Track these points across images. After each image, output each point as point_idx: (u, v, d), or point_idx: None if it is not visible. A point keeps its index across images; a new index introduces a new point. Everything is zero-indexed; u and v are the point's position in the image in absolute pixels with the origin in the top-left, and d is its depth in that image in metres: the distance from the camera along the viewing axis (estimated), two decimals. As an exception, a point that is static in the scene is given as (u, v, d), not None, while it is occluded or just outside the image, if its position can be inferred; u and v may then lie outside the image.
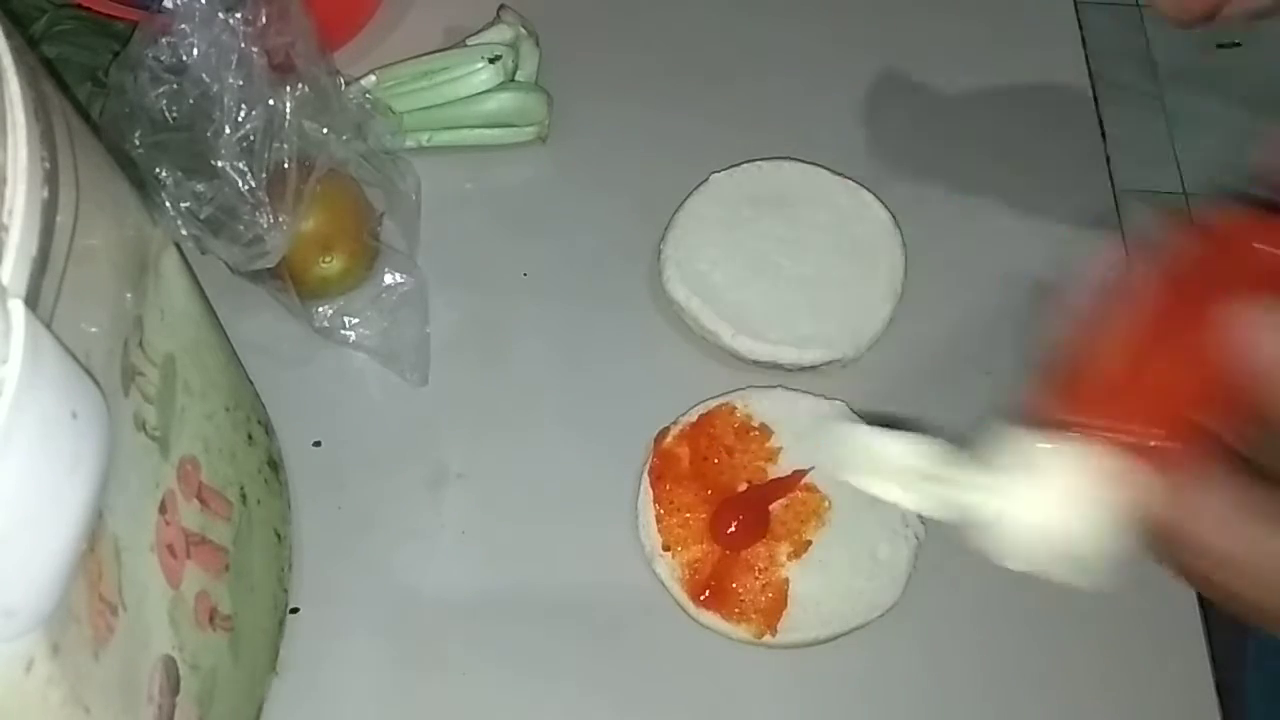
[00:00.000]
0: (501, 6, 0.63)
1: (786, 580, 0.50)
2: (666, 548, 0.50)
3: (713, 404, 0.53)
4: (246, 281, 0.54)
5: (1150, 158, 1.55)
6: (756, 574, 0.50)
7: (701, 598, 0.49)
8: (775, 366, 0.55)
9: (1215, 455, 0.27)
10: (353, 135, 0.53)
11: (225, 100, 0.47)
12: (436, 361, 0.56)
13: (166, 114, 0.48)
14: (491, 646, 0.50)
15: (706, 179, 0.60)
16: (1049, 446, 0.28)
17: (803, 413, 0.53)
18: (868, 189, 0.59)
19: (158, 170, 0.48)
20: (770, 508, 0.51)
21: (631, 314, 0.58)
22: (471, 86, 0.59)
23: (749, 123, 0.64)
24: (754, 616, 0.49)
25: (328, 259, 0.53)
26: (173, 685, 0.37)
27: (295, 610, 0.50)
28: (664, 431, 0.53)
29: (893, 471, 0.30)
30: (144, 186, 0.47)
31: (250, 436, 0.48)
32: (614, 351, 0.57)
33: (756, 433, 0.52)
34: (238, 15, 0.47)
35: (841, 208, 0.59)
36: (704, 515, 0.50)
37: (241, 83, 0.47)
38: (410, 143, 0.60)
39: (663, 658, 0.50)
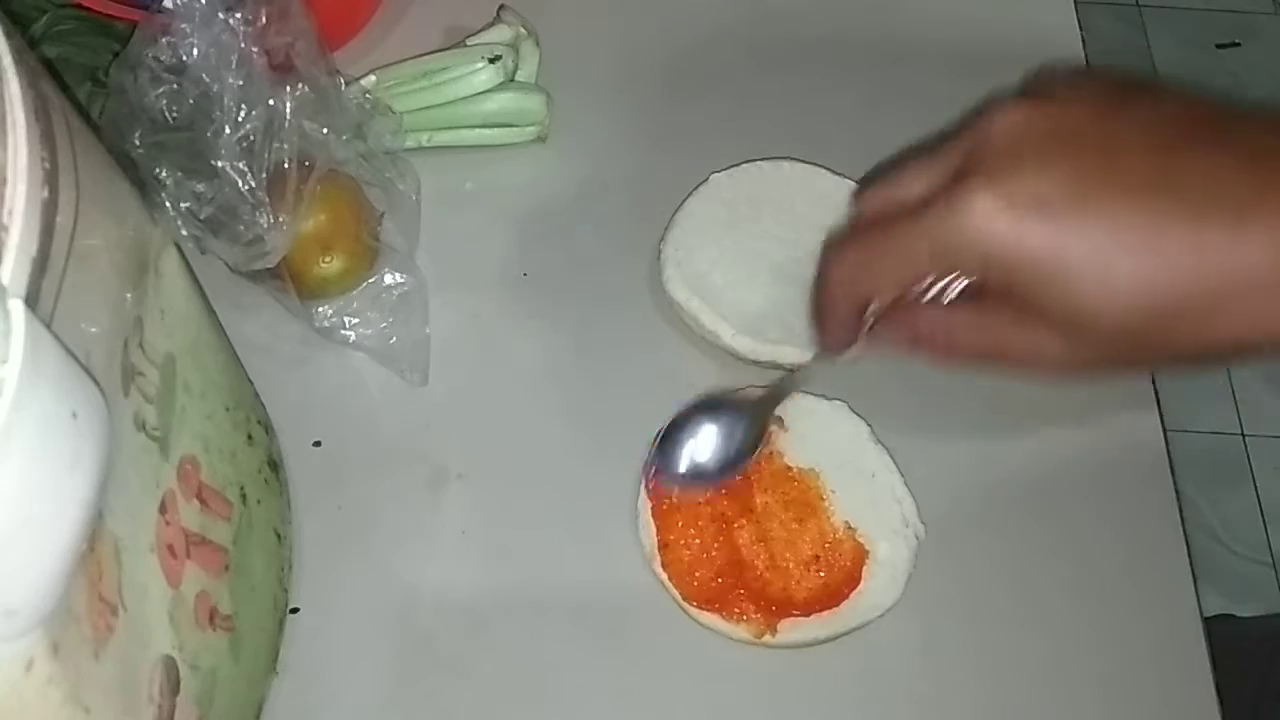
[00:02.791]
0: (501, 6, 0.63)
1: (786, 580, 0.50)
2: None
3: (712, 404, 0.53)
4: (246, 281, 0.54)
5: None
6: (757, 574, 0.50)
7: (702, 598, 0.49)
8: (775, 366, 0.55)
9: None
10: (353, 135, 0.53)
11: (225, 100, 0.47)
12: (436, 361, 0.56)
13: (166, 114, 0.48)
14: (491, 646, 0.50)
15: (706, 179, 0.59)
16: None
17: (803, 413, 0.53)
18: (868, 189, 0.59)
19: (158, 170, 0.48)
20: (769, 505, 0.51)
21: (631, 314, 0.58)
22: (471, 86, 0.59)
23: (749, 123, 0.64)
24: (754, 616, 0.49)
25: (328, 259, 0.53)
26: (173, 685, 0.37)
27: (295, 610, 0.50)
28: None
29: None
30: (144, 186, 0.47)
31: (250, 436, 0.48)
32: (614, 351, 0.57)
33: (756, 433, 0.52)
34: (238, 15, 0.47)
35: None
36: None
37: (241, 83, 0.47)
38: (410, 143, 0.60)
39: (663, 658, 0.50)
